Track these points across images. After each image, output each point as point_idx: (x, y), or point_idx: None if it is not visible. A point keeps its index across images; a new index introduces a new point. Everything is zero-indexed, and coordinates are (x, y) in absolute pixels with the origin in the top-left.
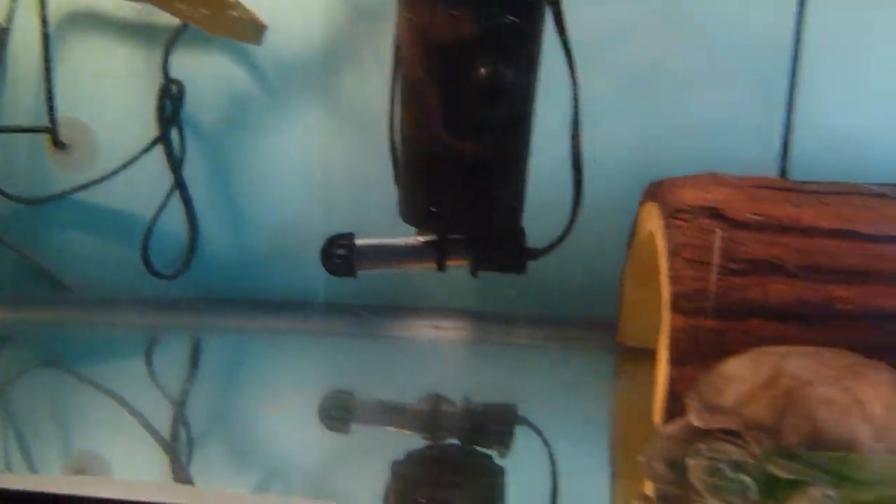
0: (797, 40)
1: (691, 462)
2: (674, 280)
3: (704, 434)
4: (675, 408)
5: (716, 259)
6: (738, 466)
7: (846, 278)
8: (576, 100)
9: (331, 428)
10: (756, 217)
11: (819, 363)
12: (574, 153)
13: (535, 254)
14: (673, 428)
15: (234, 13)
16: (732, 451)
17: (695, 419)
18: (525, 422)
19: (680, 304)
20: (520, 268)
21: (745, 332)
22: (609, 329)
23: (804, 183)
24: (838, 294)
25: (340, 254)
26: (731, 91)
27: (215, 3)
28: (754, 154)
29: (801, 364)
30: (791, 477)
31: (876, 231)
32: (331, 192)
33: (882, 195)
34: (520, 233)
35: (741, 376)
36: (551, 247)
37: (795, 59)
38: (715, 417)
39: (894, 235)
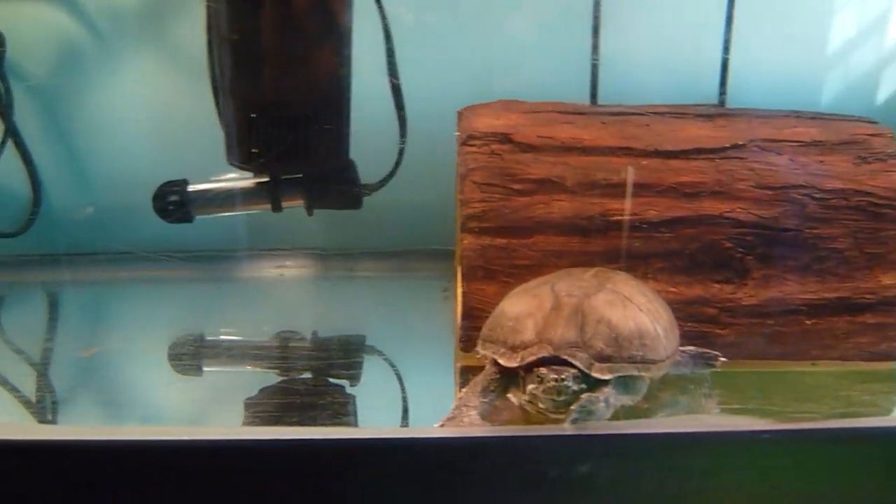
0: None
1: (534, 388)
2: (463, 203)
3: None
4: (471, 322)
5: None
6: (578, 379)
7: (621, 192)
8: (388, 36)
9: (182, 371)
10: (541, 139)
11: (578, 279)
12: (393, 87)
13: (370, 189)
14: (481, 380)
15: None
16: (566, 371)
17: (506, 362)
18: (374, 350)
19: (469, 225)
20: (355, 203)
21: (530, 247)
22: (448, 256)
23: (593, 106)
24: (613, 207)
25: (173, 200)
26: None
27: None
28: (572, 77)
29: (567, 285)
30: (612, 376)
31: (649, 147)
32: (169, 138)
33: (657, 113)
34: (351, 169)
35: (529, 311)
36: (384, 181)
37: None
38: (529, 351)
39: (664, 150)
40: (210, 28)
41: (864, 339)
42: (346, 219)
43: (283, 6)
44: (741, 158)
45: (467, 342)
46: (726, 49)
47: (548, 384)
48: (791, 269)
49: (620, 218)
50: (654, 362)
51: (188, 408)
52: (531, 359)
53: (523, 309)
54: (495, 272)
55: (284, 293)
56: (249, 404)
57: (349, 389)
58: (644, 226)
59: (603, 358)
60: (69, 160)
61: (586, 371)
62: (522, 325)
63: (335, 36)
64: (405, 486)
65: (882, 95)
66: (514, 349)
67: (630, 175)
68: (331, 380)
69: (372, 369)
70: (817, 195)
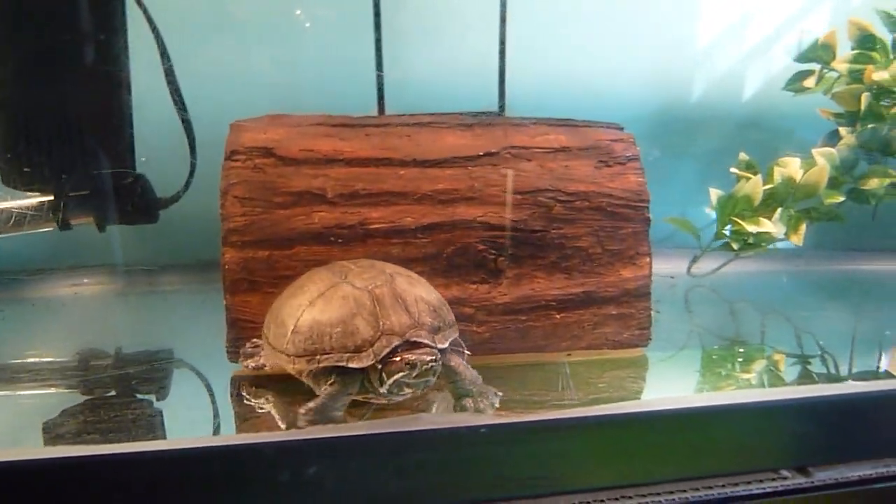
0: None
1: (404, 376)
2: (224, 217)
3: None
4: (236, 333)
5: None
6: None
7: (380, 201)
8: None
9: None
10: (303, 152)
11: (360, 273)
12: (174, 95)
13: (164, 203)
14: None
15: None
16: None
17: (358, 363)
18: (181, 363)
19: (231, 239)
20: (150, 218)
21: (291, 258)
22: None
23: (361, 118)
24: (372, 216)
25: None
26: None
27: None
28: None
29: (360, 280)
30: (447, 344)
31: (407, 157)
32: None
33: (419, 124)
34: (142, 184)
35: (352, 313)
36: (178, 195)
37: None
38: (379, 346)
39: (422, 160)
40: None
41: (609, 329)
42: (145, 233)
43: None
44: (494, 165)
45: (233, 352)
46: (502, 57)
47: (423, 367)
48: (540, 267)
49: (379, 226)
50: (454, 323)
51: None
52: (386, 351)
53: (343, 313)
54: (259, 283)
55: (83, 311)
56: (49, 426)
57: (156, 403)
58: (403, 232)
59: (435, 329)
60: None
61: (432, 345)
62: (353, 326)
63: (105, 46)
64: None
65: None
66: (358, 350)
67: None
68: (137, 395)
69: (178, 383)
70: (562, 198)
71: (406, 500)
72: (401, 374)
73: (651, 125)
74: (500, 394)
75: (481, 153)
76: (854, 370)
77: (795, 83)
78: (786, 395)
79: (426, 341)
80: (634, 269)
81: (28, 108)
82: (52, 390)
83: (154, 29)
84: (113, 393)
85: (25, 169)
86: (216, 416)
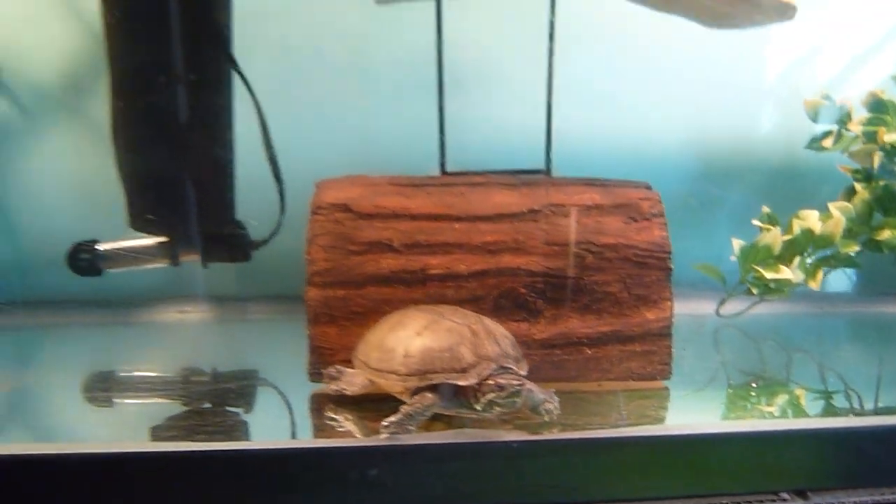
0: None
1: (495, 396)
2: (309, 261)
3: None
4: (316, 358)
5: None
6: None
7: (438, 250)
8: (263, 122)
9: (95, 403)
10: (375, 208)
11: (452, 314)
12: (270, 159)
13: (255, 245)
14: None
15: None
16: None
17: (464, 381)
18: (265, 382)
19: (314, 280)
20: (244, 257)
21: (362, 296)
22: None
23: (423, 178)
24: (431, 263)
25: (84, 257)
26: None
27: None
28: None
29: (458, 318)
30: (525, 371)
31: (462, 213)
32: (81, 202)
33: (473, 184)
34: (239, 227)
35: (458, 342)
36: (266, 239)
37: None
38: (479, 368)
39: (474, 215)
40: (113, 107)
41: (634, 363)
42: (239, 269)
43: (171, 89)
44: (535, 221)
45: (314, 374)
46: (549, 119)
47: (511, 389)
48: (574, 309)
49: (437, 272)
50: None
51: (101, 433)
52: (486, 373)
53: (450, 341)
54: (336, 317)
55: (186, 334)
56: (156, 429)
57: (243, 415)
58: (456, 277)
59: (516, 360)
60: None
61: (517, 371)
62: (458, 353)
63: (218, 114)
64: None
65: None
66: (463, 371)
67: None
68: (227, 407)
69: (263, 398)
70: (594, 249)
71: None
72: (493, 394)
73: (690, 177)
74: (556, 395)
75: (525, 210)
76: (875, 405)
77: (816, 143)
78: (789, 425)
79: (513, 367)
80: (657, 312)
81: (153, 169)
82: (159, 401)
83: (257, 105)
84: (208, 405)
85: (149, 216)
86: (293, 425)
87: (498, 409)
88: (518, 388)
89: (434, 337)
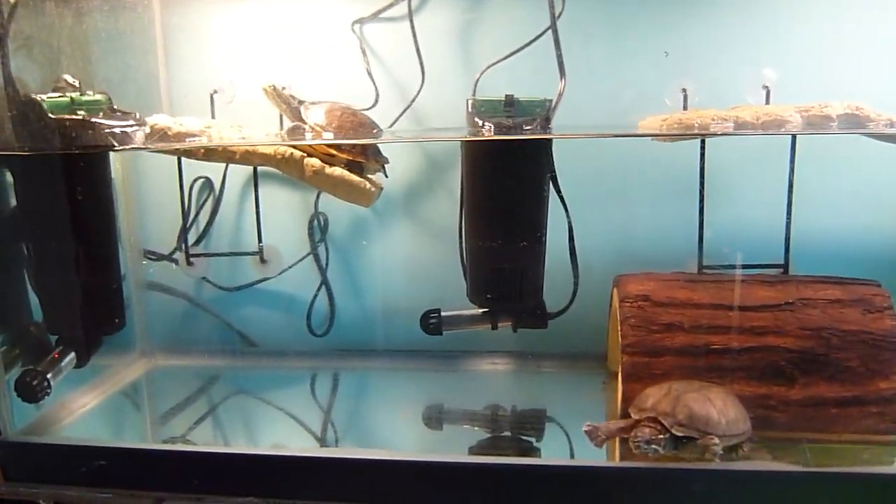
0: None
1: (633, 435)
2: (623, 336)
3: (638, 421)
4: (626, 405)
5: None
6: (650, 441)
7: (718, 331)
8: (569, 222)
9: (430, 426)
10: (668, 298)
11: (687, 385)
12: (571, 250)
13: (553, 315)
14: (622, 420)
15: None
16: (648, 432)
17: (635, 415)
18: (552, 419)
19: (626, 350)
20: (543, 325)
21: (661, 363)
22: (600, 359)
23: (703, 274)
24: (713, 340)
25: (433, 321)
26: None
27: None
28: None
29: (679, 385)
30: (684, 434)
31: (733, 303)
32: (420, 277)
33: (743, 281)
34: (541, 303)
35: (655, 394)
36: (562, 311)
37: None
38: (644, 412)
39: (744, 305)
40: (461, 207)
41: (870, 421)
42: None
43: (512, 190)
44: (791, 311)
45: (624, 416)
46: (788, 219)
47: (640, 435)
48: (822, 378)
49: (716, 347)
50: (710, 434)
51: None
52: (642, 417)
53: (652, 392)
54: (642, 377)
55: (494, 380)
56: (472, 449)
57: (535, 443)
58: (731, 352)
59: (679, 424)
60: (355, 290)
61: (668, 428)
62: (645, 400)
63: (541, 221)
64: None
65: None
66: (640, 410)
67: None
68: (522, 436)
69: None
70: (838, 334)
71: None
72: (636, 431)
73: None
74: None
75: (782, 303)
76: None
77: None
78: None
79: (664, 421)
80: (888, 383)
81: (493, 259)
82: (473, 428)
83: (567, 214)
84: (507, 433)
85: (488, 296)
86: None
87: (633, 446)
88: (647, 438)
89: (654, 390)
